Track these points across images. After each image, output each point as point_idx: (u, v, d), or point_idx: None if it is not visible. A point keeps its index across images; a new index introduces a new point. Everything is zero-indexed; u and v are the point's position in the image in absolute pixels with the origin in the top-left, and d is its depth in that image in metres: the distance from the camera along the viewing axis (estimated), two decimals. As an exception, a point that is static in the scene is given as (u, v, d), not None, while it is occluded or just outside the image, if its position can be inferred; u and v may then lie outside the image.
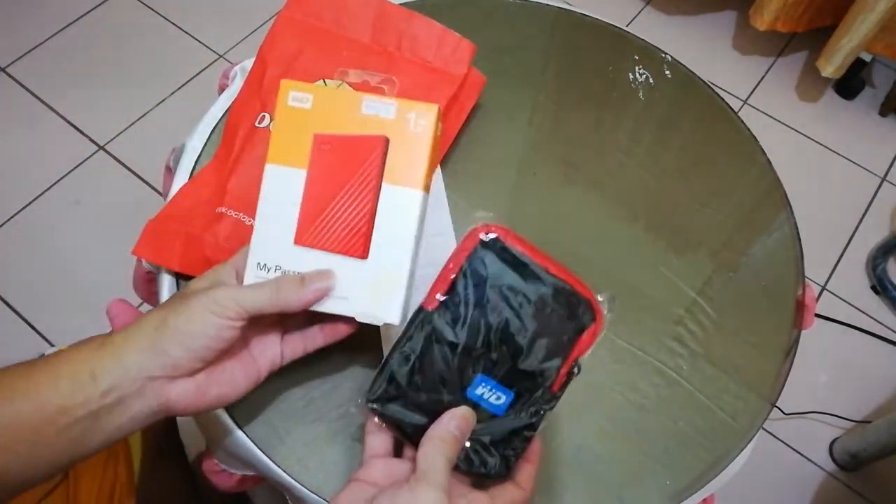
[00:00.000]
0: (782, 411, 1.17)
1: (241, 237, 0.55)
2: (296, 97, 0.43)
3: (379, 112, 0.42)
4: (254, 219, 0.44)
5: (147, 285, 0.62)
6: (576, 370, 0.41)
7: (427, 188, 0.43)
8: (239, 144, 0.59)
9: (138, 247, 0.54)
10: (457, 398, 0.41)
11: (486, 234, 0.40)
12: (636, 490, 0.52)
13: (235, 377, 0.43)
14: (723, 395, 0.56)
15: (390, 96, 0.43)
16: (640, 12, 1.68)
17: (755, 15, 1.49)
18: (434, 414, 0.40)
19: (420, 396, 0.41)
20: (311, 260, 0.42)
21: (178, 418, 0.74)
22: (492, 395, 0.41)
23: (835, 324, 1.26)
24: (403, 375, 0.41)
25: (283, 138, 0.43)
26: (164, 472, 0.73)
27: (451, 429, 0.39)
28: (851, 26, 1.34)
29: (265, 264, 0.43)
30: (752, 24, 1.50)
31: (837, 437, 1.19)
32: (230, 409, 0.52)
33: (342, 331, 0.46)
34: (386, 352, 0.44)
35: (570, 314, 0.41)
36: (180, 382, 0.40)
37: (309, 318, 0.45)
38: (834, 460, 1.18)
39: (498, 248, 0.40)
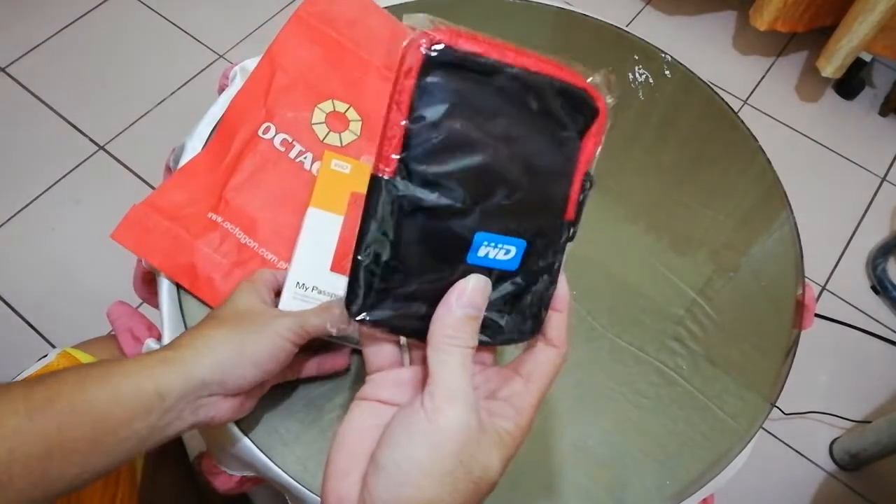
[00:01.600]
0: (782, 411, 1.17)
1: (238, 255, 0.55)
2: (337, 164, 0.54)
3: None
4: (250, 238, 0.55)
5: (147, 285, 0.62)
6: (588, 185, 0.34)
7: None
8: (238, 147, 0.59)
9: (118, 231, 0.53)
10: (458, 270, 0.32)
11: (430, 45, 0.29)
12: (636, 490, 0.52)
13: (262, 391, 0.47)
14: (723, 395, 0.56)
15: None
16: (640, 12, 1.68)
17: (755, 15, 1.49)
18: (438, 297, 0.31)
19: (412, 285, 0.31)
20: (344, 284, 0.43)
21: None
22: (499, 251, 0.32)
23: (835, 324, 1.26)
24: (383, 268, 0.30)
25: (324, 191, 0.53)
26: (167, 473, 0.73)
27: (458, 316, 0.30)
28: (851, 26, 1.34)
29: (304, 284, 0.50)
30: (752, 23, 1.50)
31: (837, 437, 1.19)
32: (230, 409, 0.52)
33: (340, 363, 0.52)
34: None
35: (565, 117, 0.32)
36: (231, 399, 0.43)
37: (322, 344, 0.51)
38: (834, 460, 1.18)
39: (451, 59, 0.29)
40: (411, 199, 0.29)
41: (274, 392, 0.52)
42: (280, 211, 0.57)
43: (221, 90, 0.68)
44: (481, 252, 0.32)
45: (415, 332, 0.32)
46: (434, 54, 0.28)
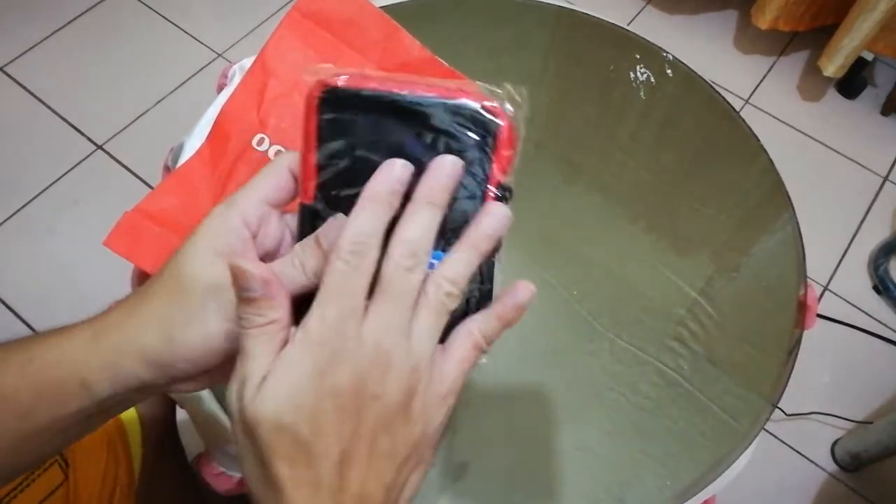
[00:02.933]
0: (784, 412, 1.17)
1: None
2: None
3: None
4: None
5: (145, 285, 0.61)
6: (503, 196, 0.34)
7: None
8: (230, 158, 0.59)
9: (111, 238, 0.53)
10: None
11: (322, 90, 0.31)
12: (637, 491, 0.51)
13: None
14: (724, 395, 0.56)
15: None
16: (641, 11, 1.68)
17: (757, 14, 1.49)
18: None
19: None
20: None
21: (178, 419, 0.74)
22: None
23: (837, 324, 1.25)
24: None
25: None
26: (165, 474, 0.73)
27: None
28: (853, 25, 1.34)
29: None
30: (753, 23, 1.50)
31: (839, 438, 1.18)
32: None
33: None
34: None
35: (464, 135, 0.32)
36: (187, 383, 0.35)
37: None
38: (835, 461, 1.18)
39: (343, 97, 0.32)
40: (325, 218, 0.32)
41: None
42: None
43: (220, 89, 0.68)
44: None
45: None
46: (326, 96, 0.32)
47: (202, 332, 0.32)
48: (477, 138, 0.33)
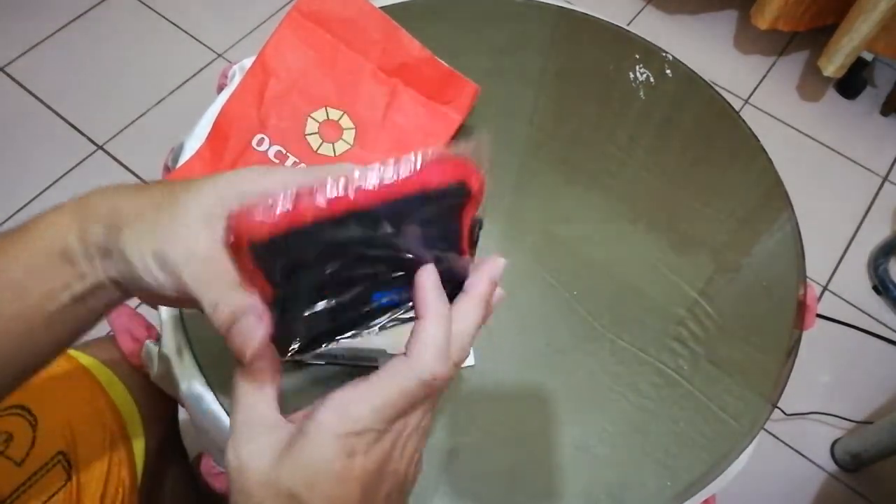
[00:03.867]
0: (783, 412, 1.17)
1: None
2: None
3: None
4: None
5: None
6: (477, 229, 0.33)
7: None
8: (230, 158, 0.59)
9: None
10: (365, 310, 0.35)
11: (249, 247, 0.28)
12: (637, 491, 0.51)
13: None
14: (724, 395, 0.56)
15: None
16: (640, 11, 1.68)
17: (756, 14, 1.49)
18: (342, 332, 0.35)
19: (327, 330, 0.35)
20: None
21: (179, 419, 0.74)
22: (398, 296, 0.34)
23: (836, 324, 1.25)
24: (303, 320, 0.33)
25: None
26: (168, 475, 0.73)
27: None
28: (853, 25, 1.34)
29: None
30: (753, 23, 1.50)
31: (839, 438, 1.18)
32: (229, 410, 0.51)
33: None
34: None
35: (442, 211, 0.30)
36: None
37: None
38: (835, 461, 1.18)
39: (276, 243, 0.28)
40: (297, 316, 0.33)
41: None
42: None
43: (220, 89, 0.68)
44: (385, 300, 0.34)
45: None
46: (259, 241, 0.28)
47: (187, 252, 0.31)
48: (447, 209, 0.31)
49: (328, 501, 0.31)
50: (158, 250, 0.32)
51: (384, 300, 0.34)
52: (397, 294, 0.34)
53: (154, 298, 0.34)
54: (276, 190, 0.28)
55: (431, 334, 0.31)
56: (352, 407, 0.31)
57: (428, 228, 0.31)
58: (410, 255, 0.32)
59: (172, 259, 0.31)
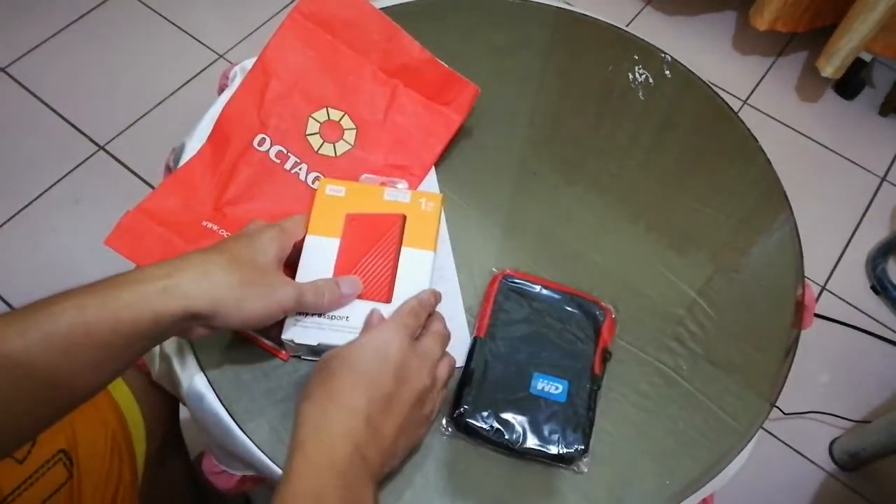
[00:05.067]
0: (782, 411, 1.17)
1: None
2: (332, 189, 0.56)
3: (397, 198, 0.56)
4: None
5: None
6: (608, 355, 0.54)
7: (435, 248, 0.55)
8: (231, 158, 0.59)
9: (112, 238, 0.54)
10: (523, 395, 0.51)
11: (503, 277, 0.57)
12: (636, 490, 0.52)
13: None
14: (723, 394, 0.56)
15: (404, 188, 0.59)
16: (640, 12, 1.68)
17: (755, 15, 1.49)
18: (505, 411, 0.51)
19: (493, 399, 0.51)
20: (346, 305, 0.52)
21: (181, 418, 0.74)
22: (550, 386, 0.52)
23: (834, 324, 1.26)
24: (476, 388, 0.51)
25: (320, 216, 0.55)
26: (168, 473, 0.73)
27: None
28: (851, 26, 1.34)
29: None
30: (752, 24, 1.50)
31: (837, 437, 1.19)
32: (230, 409, 0.52)
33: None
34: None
35: (586, 315, 0.56)
36: (208, 329, 0.46)
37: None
38: (833, 460, 1.18)
39: (514, 282, 0.57)
40: (494, 350, 0.54)
41: (275, 393, 0.52)
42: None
43: (221, 90, 0.68)
44: (539, 386, 0.52)
45: (489, 441, 0.51)
46: (504, 278, 0.57)
47: (264, 309, 0.45)
48: (590, 319, 0.56)
49: (399, 356, 0.46)
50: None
51: (541, 384, 0.52)
52: (553, 383, 0.52)
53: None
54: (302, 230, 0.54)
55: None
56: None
57: (575, 325, 0.56)
58: (567, 350, 0.55)
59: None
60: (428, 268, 0.54)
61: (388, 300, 0.52)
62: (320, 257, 0.53)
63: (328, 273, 0.52)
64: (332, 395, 0.43)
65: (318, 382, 0.45)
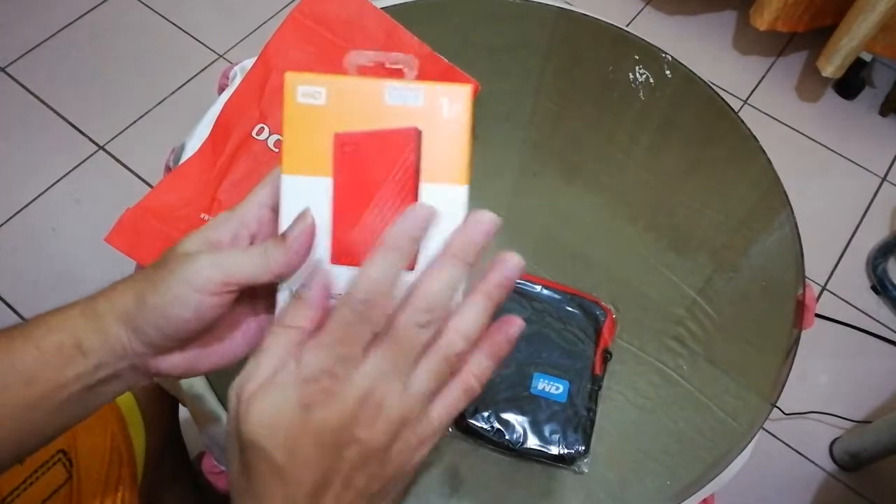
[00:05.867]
0: (782, 411, 1.17)
1: None
2: (306, 92, 0.34)
3: (406, 101, 0.34)
4: None
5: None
6: (608, 355, 0.55)
7: (468, 179, 0.35)
8: (230, 150, 0.59)
9: (112, 235, 0.54)
10: (524, 395, 0.52)
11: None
12: (636, 490, 0.52)
13: (234, 345, 0.37)
14: (723, 395, 0.56)
15: (413, 80, 0.35)
16: (640, 12, 1.68)
17: (755, 15, 1.49)
18: (506, 411, 0.52)
19: (494, 399, 0.52)
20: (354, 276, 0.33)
21: (180, 418, 0.74)
22: (551, 386, 0.53)
23: (835, 324, 1.25)
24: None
25: (297, 143, 0.34)
26: (168, 473, 0.73)
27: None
28: (852, 26, 1.34)
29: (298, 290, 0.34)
30: (752, 23, 1.50)
31: (837, 437, 1.19)
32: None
33: None
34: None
35: (586, 315, 0.56)
36: (168, 358, 0.35)
37: None
38: (834, 460, 1.18)
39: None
40: None
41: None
42: None
43: (221, 90, 0.68)
44: (540, 386, 0.53)
45: (490, 441, 0.51)
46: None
47: (170, 295, 0.32)
48: (591, 319, 0.56)
49: (284, 451, 0.29)
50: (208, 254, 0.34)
51: (542, 384, 0.53)
52: (554, 383, 0.53)
53: (173, 349, 0.35)
54: (266, 195, 0.36)
55: (371, 262, 0.30)
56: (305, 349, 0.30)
57: (576, 325, 0.56)
58: (568, 349, 0.55)
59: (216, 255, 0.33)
60: (461, 212, 0.34)
61: (412, 266, 0.33)
62: (308, 209, 0.34)
63: (324, 231, 0.34)
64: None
65: (240, 477, 0.31)
